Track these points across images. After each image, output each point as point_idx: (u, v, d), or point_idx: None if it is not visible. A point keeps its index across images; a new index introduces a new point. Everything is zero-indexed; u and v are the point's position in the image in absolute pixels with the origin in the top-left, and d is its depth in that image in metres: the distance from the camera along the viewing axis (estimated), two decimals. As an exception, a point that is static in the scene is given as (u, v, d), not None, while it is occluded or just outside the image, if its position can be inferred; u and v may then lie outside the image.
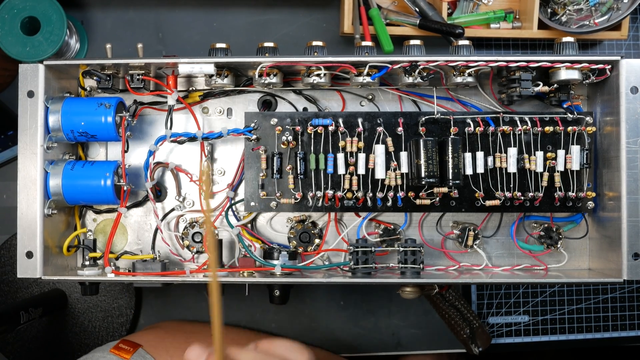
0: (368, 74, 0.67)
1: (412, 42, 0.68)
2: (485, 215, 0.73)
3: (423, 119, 0.69)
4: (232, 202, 0.72)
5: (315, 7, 0.87)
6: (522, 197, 0.68)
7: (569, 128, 0.68)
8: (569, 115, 0.69)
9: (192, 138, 0.70)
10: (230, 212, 0.72)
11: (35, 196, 0.65)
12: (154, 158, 0.71)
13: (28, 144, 0.66)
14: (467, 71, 0.67)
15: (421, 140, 0.67)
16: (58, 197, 0.67)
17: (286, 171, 0.69)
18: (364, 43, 0.68)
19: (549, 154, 0.68)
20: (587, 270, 0.73)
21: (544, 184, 0.68)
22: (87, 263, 0.70)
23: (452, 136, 0.68)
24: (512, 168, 0.68)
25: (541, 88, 0.68)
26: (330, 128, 0.68)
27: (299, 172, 0.68)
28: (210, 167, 0.69)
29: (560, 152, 0.68)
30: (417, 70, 0.67)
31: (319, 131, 0.68)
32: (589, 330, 0.89)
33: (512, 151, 0.68)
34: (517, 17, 0.86)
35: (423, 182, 0.67)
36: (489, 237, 0.74)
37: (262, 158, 0.69)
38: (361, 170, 0.68)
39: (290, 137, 0.68)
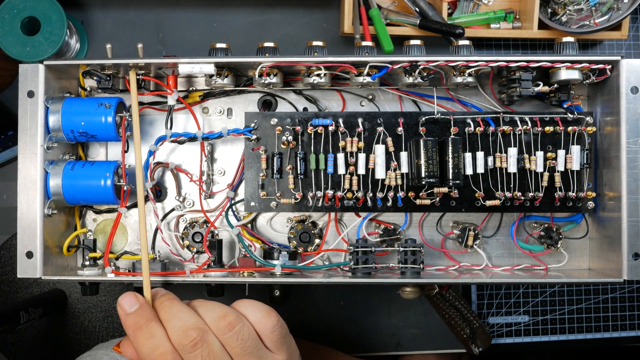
0: (368, 74, 0.67)
1: (412, 42, 0.68)
2: (485, 215, 0.73)
3: (423, 119, 0.69)
4: (232, 202, 0.72)
5: (315, 7, 0.87)
6: (522, 197, 0.68)
7: (569, 128, 0.68)
8: (569, 115, 0.69)
9: (192, 138, 0.70)
10: (230, 212, 0.72)
11: (35, 196, 0.65)
12: (154, 158, 0.71)
13: (28, 144, 0.66)
14: (467, 71, 0.67)
15: (421, 140, 0.67)
16: (58, 197, 0.67)
17: (286, 171, 0.69)
18: (364, 43, 0.68)
19: (549, 154, 0.68)
20: (587, 270, 0.73)
21: (544, 184, 0.68)
22: (87, 263, 0.70)
23: (452, 136, 0.68)
24: (512, 168, 0.68)
25: (541, 88, 0.68)
26: (331, 128, 0.68)
27: (299, 172, 0.68)
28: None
29: (561, 152, 0.68)
30: (417, 70, 0.67)
31: (319, 131, 0.68)
32: (589, 330, 0.89)
33: (512, 151, 0.68)
34: (517, 17, 0.86)
35: (423, 182, 0.67)
36: (489, 237, 0.74)
37: (262, 158, 0.69)
38: (361, 170, 0.68)
39: (290, 137, 0.68)
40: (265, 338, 0.57)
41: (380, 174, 0.68)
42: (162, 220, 0.73)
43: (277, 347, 0.57)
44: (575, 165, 0.68)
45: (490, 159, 0.69)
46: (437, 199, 0.68)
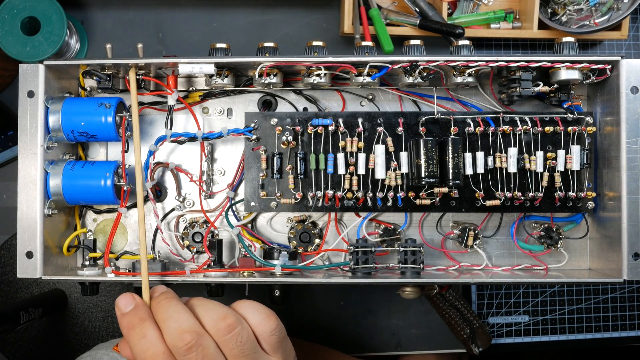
0: (368, 74, 0.67)
1: (412, 42, 0.68)
2: (485, 215, 0.73)
3: (423, 119, 0.69)
4: (232, 202, 0.72)
5: (315, 7, 0.87)
6: (522, 197, 0.68)
7: (569, 128, 0.68)
8: (569, 115, 0.69)
9: (192, 138, 0.70)
10: (230, 212, 0.72)
11: (35, 196, 0.65)
12: (154, 158, 0.71)
13: (28, 144, 0.66)
14: (467, 71, 0.67)
15: (421, 140, 0.67)
16: (58, 197, 0.67)
17: (286, 171, 0.69)
18: (364, 43, 0.68)
19: (549, 154, 0.68)
20: (587, 270, 0.73)
21: (544, 184, 0.68)
22: (87, 263, 0.70)
23: (452, 136, 0.68)
24: (512, 168, 0.68)
25: (541, 88, 0.68)
26: (331, 128, 0.68)
27: (299, 172, 0.68)
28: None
29: (561, 152, 0.68)
30: (417, 70, 0.67)
31: (319, 131, 0.68)
32: (589, 330, 0.89)
33: (512, 151, 0.68)
34: (517, 17, 0.86)
35: (423, 182, 0.67)
36: (489, 237, 0.74)
37: (262, 158, 0.69)
38: (361, 170, 0.68)
39: (290, 137, 0.68)
40: (263, 341, 0.56)
41: (380, 174, 0.68)
42: (162, 220, 0.73)
43: (274, 350, 0.57)
44: (575, 165, 0.68)
45: (490, 159, 0.69)
46: (437, 199, 0.68)
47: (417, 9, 0.83)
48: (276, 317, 0.57)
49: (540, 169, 0.68)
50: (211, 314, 0.55)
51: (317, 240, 0.72)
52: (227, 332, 0.54)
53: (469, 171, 0.68)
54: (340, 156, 0.68)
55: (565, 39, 0.68)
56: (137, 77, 0.68)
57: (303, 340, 0.86)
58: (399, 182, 0.68)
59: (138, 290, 0.84)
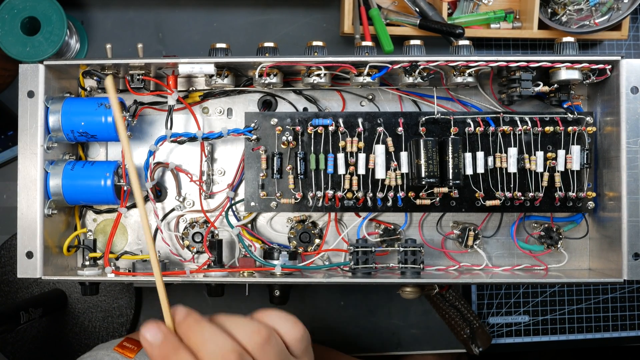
0: (368, 74, 0.67)
1: (412, 42, 0.68)
2: (485, 215, 0.73)
3: (423, 119, 0.69)
4: (232, 202, 0.72)
5: (315, 7, 0.87)
6: (522, 197, 0.68)
7: (569, 128, 0.68)
8: (569, 115, 0.69)
9: (192, 138, 0.70)
10: (230, 212, 0.72)
11: (35, 196, 0.65)
12: (154, 158, 0.71)
13: (28, 144, 0.66)
14: (467, 71, 0.67)
15: (421, 140, 0.67)
16: (58, 197, 0.67)
17: (286, 171, 0.69)
18: (364, 43, 0.68)
19: (549, 154, 0.68)
20: (587, 270, 0.73)
21: (544, 184, 0.68)
22: (87, 263, 0.70)
23: (452, 136, 0.68)
24: (512, 168, 0.68)
25: (541, 88, 0.68)
26: (331, 128, 0.68)
27: (299, 172, 0.68)
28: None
29: (561, 152, 0.68)
30: (417, 70, 0.67)
31: (319, 131, 0.68)
32: (589, 330, 0.89)
33: (512, 151, 0.68)
34: (517, 17, 0.86)
35: (423, 182, 0.67)
36: (489, 237, 0.74)
37: (262, 158, 0.69)
38: (361, 170, 0.68)
39: (290, 137, 0.68)
40: (292, 347, 0.56)
41: (380, 174, 0.68)
42: (162, 220, 0.73)
43: (302, 354, 0.56)
44: (575, 165, 0.68)
45: (490, 159, 0.69)
46: (437, 199, 0.68)
47: (417, 9, 0.83)
48: (301, 323, 0.57)
49: (540, 169, 0.68)
50: (244, 330, 0.54)
51: (317, 240, 0.72)
52: (264, 345, 0.53)
53: (469, 171, 0.68)
54: (340, 156, 0.68)
55: (565, 39, 0.68)
56: (137, 76, 0.68)
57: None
58: (399, 182, 0.68)
59: (138, 290, 0.84)
